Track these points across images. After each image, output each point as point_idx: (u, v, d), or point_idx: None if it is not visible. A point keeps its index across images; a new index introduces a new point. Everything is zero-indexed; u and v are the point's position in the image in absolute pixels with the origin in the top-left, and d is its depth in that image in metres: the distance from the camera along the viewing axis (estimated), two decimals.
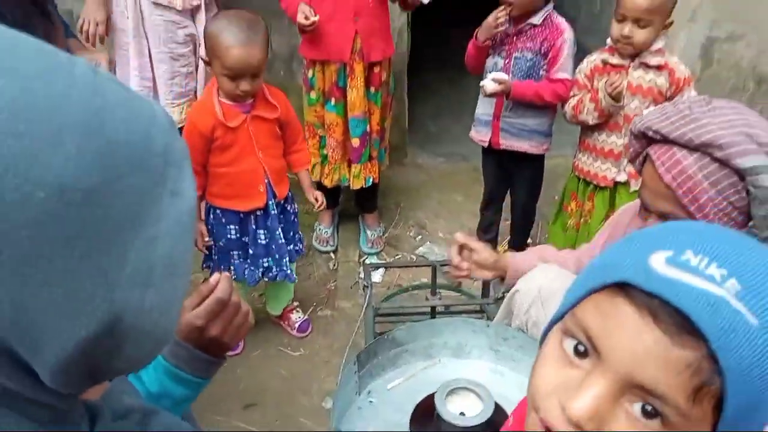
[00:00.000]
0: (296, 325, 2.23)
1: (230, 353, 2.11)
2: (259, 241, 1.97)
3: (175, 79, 2.29)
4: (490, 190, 2.46)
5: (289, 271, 2.03)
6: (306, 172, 2.08)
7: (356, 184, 2.45)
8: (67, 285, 0.40)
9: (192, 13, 2.27)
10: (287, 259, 2.01)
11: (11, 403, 0.44)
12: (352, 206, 2.74)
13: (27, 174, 0.37)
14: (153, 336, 0.46)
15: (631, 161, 1.24)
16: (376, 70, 2.30)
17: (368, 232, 2.67)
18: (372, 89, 2.32)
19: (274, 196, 1.94)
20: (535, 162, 2.32)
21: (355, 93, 2.27)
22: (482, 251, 1.52)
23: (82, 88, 0.40)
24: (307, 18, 2.07)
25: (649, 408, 0.50)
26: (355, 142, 2.36)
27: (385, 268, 2.50)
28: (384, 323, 1.94)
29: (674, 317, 0.48)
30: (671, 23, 1.95)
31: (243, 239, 1.98)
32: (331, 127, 2.34)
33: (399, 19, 2.78)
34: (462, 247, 1.51)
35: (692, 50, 3.02)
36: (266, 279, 2.04)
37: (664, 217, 1.14)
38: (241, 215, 1.94)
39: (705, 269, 0.49)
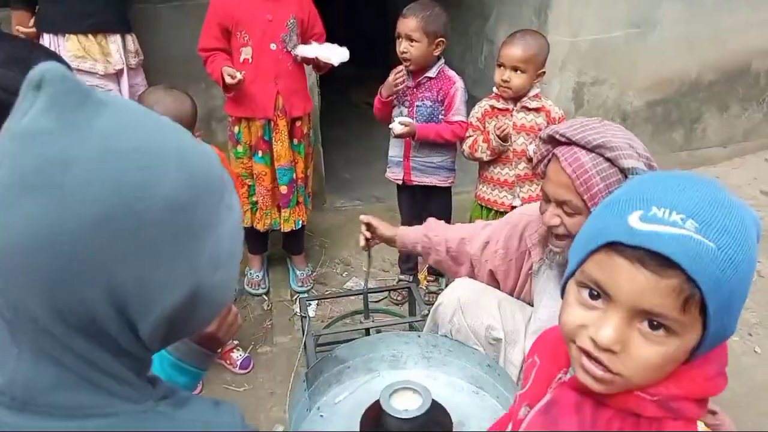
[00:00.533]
0: (238, 363, 2.35)
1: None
2: None
3: None
4: (406, 223, 2.72)
5: None
6: None
7: (287, 227, 2.64)
8: (169, 265, 0.58)
9: (116, 76, 2.44)
10: None
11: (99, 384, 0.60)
12: (279, 250, 2.91)
13: (149, 192, 0.56)
14: (217, 303, 0.66)
15: (536, 165, 1.52)
16: (298, 124, 2.54)
17: (297, 272, 2.84)
18: (295, 141, 2.54)
19: None
20: (444, 194, 2.62)
21: (281, 145, 2.49)
22: (381, 227, 1.97)
23: (173, 135, 0.61)
24: (233, 77, 2.27)
25: (655, 323, 0.68)
26: (283, 189, 2.56)
27: (318, 302, 2.68)
28: (323, 352, 2.11)
29: (656, 259, 0.66)
30: (543, 73, 2.33)
31: None
32: (260, 176, 2.53)
33: (309, 77, 3.04)
34: (368, 225, 1.95)
35: (566, 93, 3.48)
36: None
37: (562, 204, 1.40)
38: None
39: (669, 218, 0.66)
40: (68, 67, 0.91)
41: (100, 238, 0.53)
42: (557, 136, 1.39)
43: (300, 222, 2.68)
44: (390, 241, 2.00)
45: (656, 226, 0.66)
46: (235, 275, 0.68)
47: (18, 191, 0.53)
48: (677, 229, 0.65)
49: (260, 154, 2.51)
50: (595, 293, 0.72)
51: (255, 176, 2.55)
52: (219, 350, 1.09)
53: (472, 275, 1.84)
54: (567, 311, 0.75)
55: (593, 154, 1.33)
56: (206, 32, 2.37)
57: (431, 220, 2.00)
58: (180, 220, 0.58)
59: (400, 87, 2.40)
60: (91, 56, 2.35)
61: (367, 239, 1.99)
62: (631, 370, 0.70)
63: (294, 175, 2.57)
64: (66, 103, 0.54)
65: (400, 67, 2.40)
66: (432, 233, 1.90)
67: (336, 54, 2.41)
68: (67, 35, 2.33)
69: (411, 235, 1.95)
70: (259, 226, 2.63)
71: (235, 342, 2.41)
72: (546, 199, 1.47)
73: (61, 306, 0.55)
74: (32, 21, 2.35)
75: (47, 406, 0.58)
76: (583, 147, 1.34)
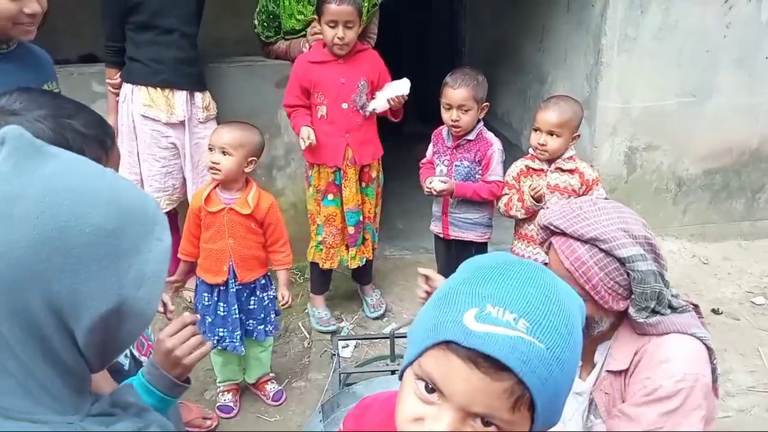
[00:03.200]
0: (271, 395, 2.51)
1: (223, 415, 2.41)
2: (217, 312, 2.32)
3: (155, 176, 2.80)
4: (442, 274, 2.82)
5: (237, 344, 2.33)
6: (284, 272, 2.38)
7: (354, 264, 2.90)
8: (97, 280, 0.71)
9: (181, 125, 2.77)
10: (239, 333, 2.32)
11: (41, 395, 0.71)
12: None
13: (79, 221, 0.70)
14: (141, 316, 0.78)
15: (541, 245, 1.55)
16: (367, 169, 2.79)
17: (368, 299, 3.09)
18: (364, 184, 2.81)
19: (235, 278, 2.29)
20: (481, 249, 2.72)
21: (349, 191, 2.75)
22: (438, 280, 1.87)
23: (110, 181, 0.78)
24: (305, 140, 2.56)
25: (486, 421, 0.70)
26: (351, 229, 2.81)
27: (356, 344, 2.82)
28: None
29: (489, 360, 0.67)
30: (578, 135, 2.43)
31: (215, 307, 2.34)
32: (330, 217, 2.79)
33: None
34: (426, 277, 1.85)
35: (617, 158, 3.52)
36: (220, 347, 2.35)
37: None
38: (212, 286, 2.30)
39: (502, 317, 0.68)
40: (107, 129, 1.11)
41: (39, 254, 0.69)
42: (552, 227, 1.40)
43: (365, 259, 2.92)
44: None
45: (490, 327, 0.67)
46: (158, 294, 0.80)
47: None
48: (510, 330, 0.67)
49: (331, 197, 2.77)
50: (431, 386, 0.72)
51: (324, 218, 2.79)
52: (188, 381, 1.24)
53: None
54: (404, 403, 0.76)
55: (588, 245, 1.34)
56: (290, 92, 2.69)
57: None
58: (107, 244, 0.72)
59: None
60: (157, 106, 2.71)
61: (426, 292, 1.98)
62: None
63: (361, 217, 2.82)
64: (19, 155, 0.72)
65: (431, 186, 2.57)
66: None
67: (401, 87, 2.62)
68: (140, 86, 2.71)
69: None
70: (327, 265, 2.87)
71: (272, 374, 2.57)
72: None
73: (11, 307, 0.69)
74: (118, 74, 2.75)
75: None
76: (578, 239, 1.35)
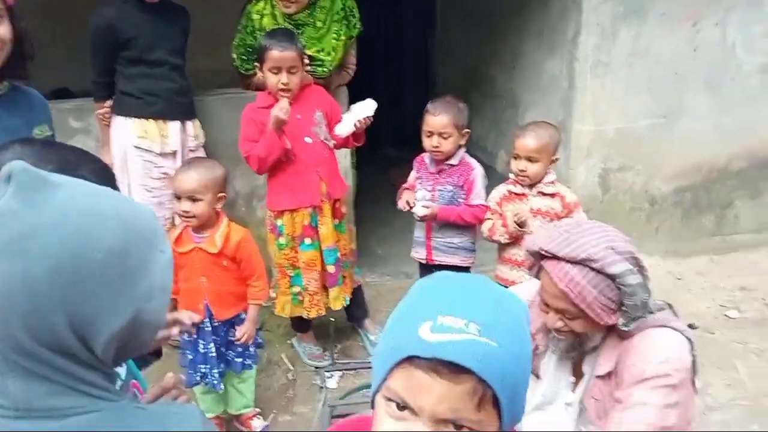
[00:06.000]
0: (257, 431, 2.46)
1: None
2: (198, 349, 2.29)
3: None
4: None
5: (216, 381, 2.30)
6: (253, 307, 2.33)
7: (337, 305, 2.76)
8: (112, 300, 0.77)
9: (172, 155, 2.76)
10: (217, 370, 2.29)
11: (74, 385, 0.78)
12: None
13: (91, 248, 0.76)
14: (153, 324, 0.85)
15: (530, 269, 1.58)
16: (337, 205, 2.72)
17: (371, 337, 3.01)
18: (336, 221, 2.71)
19: (211, 316, 2.26)
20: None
21: (326, 228, 2.65)
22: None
23: (111, 198, 0.83)
24: (281, 109, 2.41)
25: (457, 425, 0.74)
26: (331, 268, 2.70)
27: (342, 374, 2.78)
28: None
29: (449, 366, 0.71)
30: (557, 159, 2.47)
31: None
32: (310, 262, 2.66)
33: (345, 159, 3.27)
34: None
35: (592, 179, 3.60)
36: (203, 383, 2.32)
37: (562, 311, 1.46)
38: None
39: (454, 325, 0.73)
40: (111, 175, 1.12)
41: (58, 283, 0.74)
42: (543, 252, 1.45)
43: (348, 298, 2.81)
44: None
45: (445, 336, 0.72)
46: (166, 302, 0.88)
47: None
48: (463, 335, 0.72)
49: (308, 241, 2.64)
50: (402, 404, 0.76)
51: (303, 265, 2.66)
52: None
53: None
54: (380, 426, 0.79)
55: (580, 266, 1.39)
56: (245, 137, 2.56)
57: None
58: (119, 265, 0.78)
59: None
60: (150, 137, 2.71)
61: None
62: None
63: (338, 254, 2.72)
64: (27, 189, 0.75)
65: (407, 203, 2.62)
66: None
67: (366, 109, 2.56)
68: (133, 118, 2.71)
69: None
70: (314, 313, 2.74)
71: (257, 410, 2.52)
72: (545, 304, 1.52)
73: (35, 333, 0.75)
74: (108, 103, 2.76)
75: (43, 411, 0.77)
76: (569, 261, 1.39)
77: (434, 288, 0.81)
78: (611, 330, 1.48)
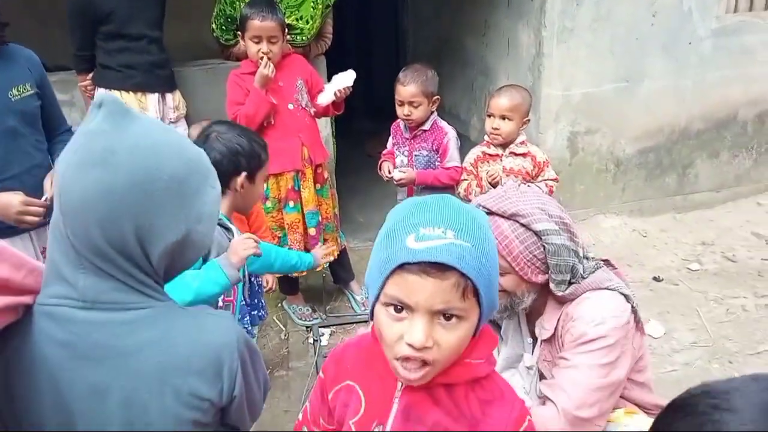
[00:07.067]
0: None
1: None
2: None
3: None
4: None
5: (248, 327, 2.40)
6: None
7: (320, 266, 2.87)
8: (170, 216, 0.93)
9: None
10: (248, 317, 2.39)
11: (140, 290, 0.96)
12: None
13: (160, 169, 0.92)
14: (198, 246, 1.01)
15: None
16: (319, 170, 2.85)
17: (357, 297, 3.17)
18: (318, 186, 2.85)
19: None
20: None
21: (308, 191, 2.79)
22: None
23: (177, 137, 0.99)
24: (266, 65, 2.52)
25: (448, 315, 0.89)
26: (312, 231, 2.84)
27: (331, 332, 2.93)
28: None
29: (434, 266, 0.86)
30: (528, 120, 2.62)
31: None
32: (293, 225, 2.81)
33: (325, 129, 3.38)
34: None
35: (561, 142, 3.76)
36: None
37: None
38: None
39: (434, 233, 0.87)
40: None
41: (131, 196, 0.90)
42: (480, 208, 1.51)
43: (331, 258, 2.94)
44: None
45: (428, 243, 0.86)
46: (212, 230, 1.03)
47: (87, 167, 0.90)
48: (443, 240, 0.86)
49: (291, 204, 2.79)
50: (399, 308, 0.90)
51: (287, 226, 2.82)
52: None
53: None
54: (384, 330, 0.92)
55: (510, 221, 1.48)
56: (232, 100, 2.65)
57: None
58: (178, 188, 0.94)
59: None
60: None
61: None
62: (444, 356, 0.91)
63: (320, 218, 2.86)
64: (115, 115, 0.92)
65: (389, 172, 2.77)
66: None
67: (347, 79, 2.69)
68: (113, 90, 2.76)
69: None
70: (296, 274, 2.89)
71: None
72: None
73: (108, 235, 0.91)
74: (90, 76, 2.83)
75: (107, 303, 0.94)
76: (501, 216, 1.49)
77: (410, 208, 0.93)
78: (549, 296, 1.55)
